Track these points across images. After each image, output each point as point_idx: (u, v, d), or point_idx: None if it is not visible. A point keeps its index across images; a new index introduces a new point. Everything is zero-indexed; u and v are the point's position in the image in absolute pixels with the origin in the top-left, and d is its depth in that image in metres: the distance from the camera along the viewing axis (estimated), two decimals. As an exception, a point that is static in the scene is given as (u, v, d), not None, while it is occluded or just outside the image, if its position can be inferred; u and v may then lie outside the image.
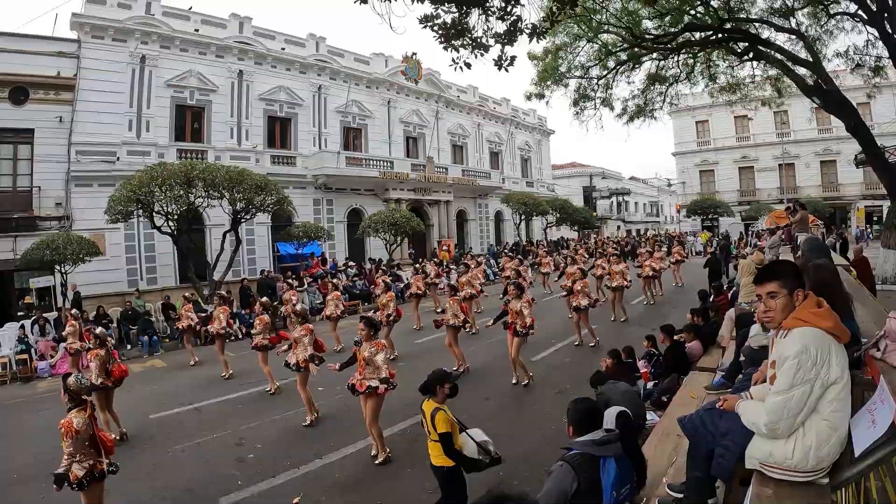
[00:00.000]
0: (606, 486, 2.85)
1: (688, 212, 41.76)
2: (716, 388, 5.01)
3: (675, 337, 7.59)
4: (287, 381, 9.12)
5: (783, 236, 12.31)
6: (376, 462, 6.23)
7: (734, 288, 11.46)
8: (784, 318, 2.47)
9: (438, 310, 14.36)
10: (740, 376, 4.35)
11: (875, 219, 35.21)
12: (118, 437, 7.34)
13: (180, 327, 12.99)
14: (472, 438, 4.49)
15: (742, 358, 4.69)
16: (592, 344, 10.95)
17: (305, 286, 18.84)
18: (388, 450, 6.36)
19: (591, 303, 11.27)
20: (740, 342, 5.19)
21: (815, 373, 2.23)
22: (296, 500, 5.51)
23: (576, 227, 38.10)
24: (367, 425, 6.32)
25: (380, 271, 20.40)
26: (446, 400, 4.50)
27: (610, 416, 3.55)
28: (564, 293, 12.71)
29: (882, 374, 2.45)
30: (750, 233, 30.49)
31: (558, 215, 35.07)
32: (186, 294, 14.07)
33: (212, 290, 16.53)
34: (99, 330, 8.48)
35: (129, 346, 15.30)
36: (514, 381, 8.94)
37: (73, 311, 12.81)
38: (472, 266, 16.44)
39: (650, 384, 7.06)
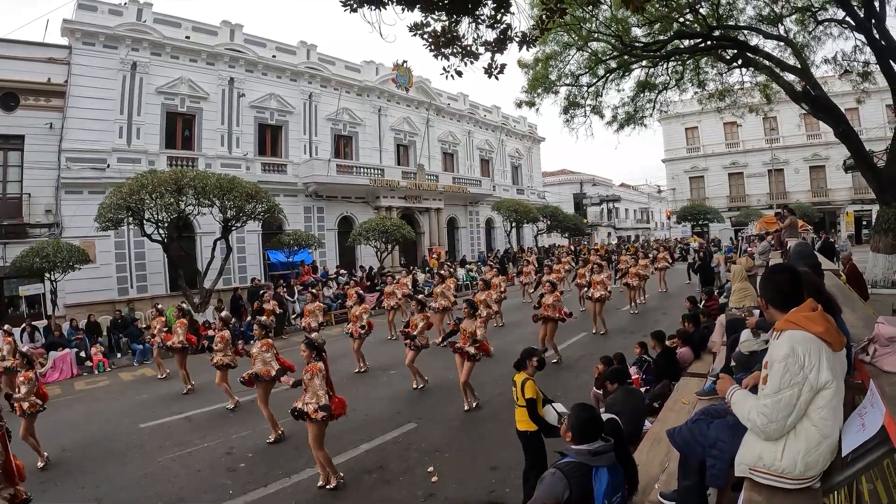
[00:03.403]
0: (598, 494, 2.85)
1: (678, 218, 41.99)
2: (707, 394, 5.03)
3: (667, 343, 7.61)
4: (249, 397, 9.06)
5: (773, 242, 12.41)
6: (328, 487, 5.90)
7: (724, 293, 11.51)
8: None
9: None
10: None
11: (864, 223, 35.55)
12: (42, 465, 7.10)
13: (152, 343, 12.80)
14: (554, 409, 5.03)
15: (733, 363, 4.70)
16: (556, 360, 10.51)
17: (296, 295, 18.76)
18: (340, 474, 6.07)
19: (560, 316, 10.66)
20: (731, 348, 5.21)
21: (802, 376, 2.22)
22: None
23: (566, 234, 38.20)
24: (313, 452, 5.96)
25: (352, 281, 20.29)
26: (535, 372, 5.26)
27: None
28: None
29: (871, 377, 2.46)
30: (740, 238, 30.68)
31: (549, 222, 35.25)
32: (159, 306, 13.87)
33: (203, 298, 16.45)
34: (26, 348, 8.23)
35: (119, 355, 15.16)
36: (465, 408, 8.27)
37: (6, 326, 11.91)
38: (447, 276, 15.84)
39: (642, 390, 7.06)
